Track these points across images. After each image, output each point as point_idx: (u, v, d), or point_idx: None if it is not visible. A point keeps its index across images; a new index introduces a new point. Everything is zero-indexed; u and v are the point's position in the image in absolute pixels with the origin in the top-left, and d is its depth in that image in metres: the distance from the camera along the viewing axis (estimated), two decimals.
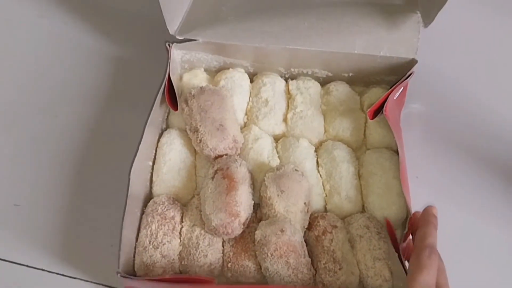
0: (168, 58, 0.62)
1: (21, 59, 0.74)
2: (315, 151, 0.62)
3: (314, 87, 0.65)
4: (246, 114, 0.64)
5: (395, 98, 0.61)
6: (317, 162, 0.61)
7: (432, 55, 0.70)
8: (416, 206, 0.53)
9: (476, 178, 0.63)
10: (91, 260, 0.59)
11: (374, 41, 0.61)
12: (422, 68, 0.61)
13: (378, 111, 0.60)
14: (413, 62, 0.60)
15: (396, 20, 0.62)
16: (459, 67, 0.71)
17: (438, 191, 0.62)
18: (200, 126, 0.58)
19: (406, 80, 0.60)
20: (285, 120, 0.63)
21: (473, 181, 0.63)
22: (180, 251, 0.55)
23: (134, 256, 0.55)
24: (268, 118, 0.62)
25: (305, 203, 0.56)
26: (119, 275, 0.49)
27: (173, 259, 0.54)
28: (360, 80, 0.65)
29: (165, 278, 0.50)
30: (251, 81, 0.66)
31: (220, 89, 0.61)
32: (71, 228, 0.61)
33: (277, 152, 0.61)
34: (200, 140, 0.58)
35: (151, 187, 0.59)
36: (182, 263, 0.55)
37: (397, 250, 0.52)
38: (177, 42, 0.63)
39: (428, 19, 0.60)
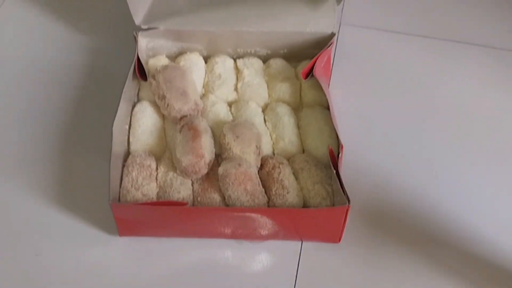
0: (136, 44, 0.75)
1: None
2: (262, 112, 0.76)
3: (257, 63, 0.80)
4: (203, 87, 0.78)
5: (322, 65, 0.76)
6: (265, 119, 0.75)
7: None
8: None
9: None
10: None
11: (301, 20, 0.78)
12: None
13: (309, 73, 0.74)
14: (332, 35, 0.76)
15: (318, 3, 0.78)
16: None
17: None
18: (166, 93, 0.71)
19: (329, 49, 0.75)
20: (236, 89, 0.77)
21: None
22: (157, 191, 0.67)
23: (119, 200, 0.66)
24: (222, 88, 0.76)
25: (256, 146, 0.69)
26: (110, 202, 0.61)
27: (152, 197, 0.66)
28: (294, 55, 0.80)
29: (148, 202, 0.62)
30: (206, 62, 0.80)
31: (181, 66, 0.75)
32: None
33: (231, 114, 0.75)
34: (168, 105, 0.71)
35: (129, 147, 0.71)
36: (160, 200, 0.67)
37: (336, 168, 0.64)
38: (142, 31, 0.77)
39: (339, 1, 0.77)
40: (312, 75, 0.74)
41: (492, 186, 0.73)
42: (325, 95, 0.74)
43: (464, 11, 0.91)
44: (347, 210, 0.62)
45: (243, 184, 0.65)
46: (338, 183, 0.63)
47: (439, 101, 0.82)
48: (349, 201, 0.61)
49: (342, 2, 0.77)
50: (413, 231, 0.69)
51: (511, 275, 0.65)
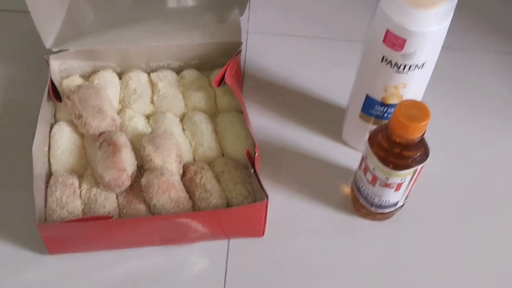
0: (48, 67, 0.76)
1: None
2: (181, 121, 0.79)
3: (171, 75, 0.83)
4: (120, 103, 0.80)
5: (233, 73, 0.80)
6: (183, 128, 0.78)
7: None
8: None
9: None
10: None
11: (210, 33, 0.81)
12: None
13: (221, 81, 0.78)
14: (240, 44, 0.81)
15: (223, 15, 0.82)
16: None
17: None
18: (83, 112, 0.73)
19: (237, 57, 0.79)
20: (152, 102, 0.80)
21: None
22: (82, 208, 0.69)
23: (45, 220, 0.67)
24: (138, 102, 0.79)
25: (177, 155, 0.72)
26: (37, 223, 0.62)
27: (78, 214, 0.68)
28: (206, 65, 0.84)
29: (74, 220, 0.64)
30: (120, 79, 0.82)
31: (95, 84, 0.77)
32: None
33: (150, 126, 0.78)
34: (85, 123, 0.72)
35: (50, 168, 0.72)
36: (86, 216, 0.68)
37: (253, 167, 0.68)
38: (54, 54, 0.78)
39: (242, 12, 0.82)
40: (225, 83, 0.78)
41: None
42: (238, 100, 0.78)
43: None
44: (266, 205, 0.66)
45: (166, 192, 0.67)
46: (257, 181, 0.67)
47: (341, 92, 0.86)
48: (267, 196, 0.65)
49: (247, 14, 0.82)
50: (327, 219, 0.75)
51: None
